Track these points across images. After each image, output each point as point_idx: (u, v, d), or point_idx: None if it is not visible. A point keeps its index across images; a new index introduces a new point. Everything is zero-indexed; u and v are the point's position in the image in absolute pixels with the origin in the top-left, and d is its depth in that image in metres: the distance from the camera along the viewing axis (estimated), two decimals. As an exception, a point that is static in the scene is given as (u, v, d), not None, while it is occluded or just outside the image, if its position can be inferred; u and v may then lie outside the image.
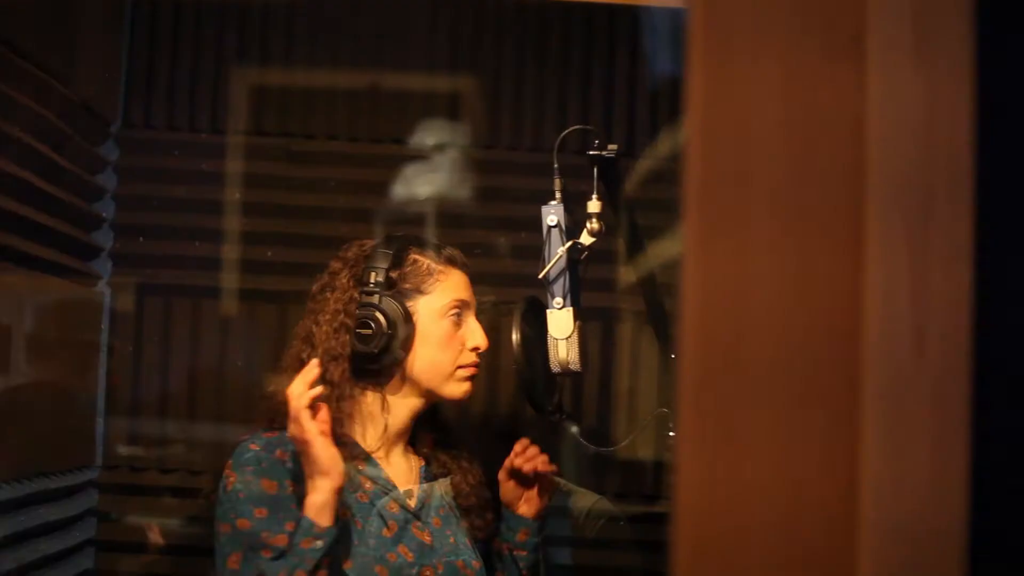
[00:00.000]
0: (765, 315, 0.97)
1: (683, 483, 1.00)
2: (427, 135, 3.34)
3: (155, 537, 3.27)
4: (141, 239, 3.32)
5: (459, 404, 2.46)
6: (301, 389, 2.10)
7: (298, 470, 2.17)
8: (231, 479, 2.18)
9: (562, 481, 2.67)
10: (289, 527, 2.12)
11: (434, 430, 2.49)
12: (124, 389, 3.29)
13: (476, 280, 2.48)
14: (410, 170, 3.30)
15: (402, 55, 3.39)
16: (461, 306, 2.37)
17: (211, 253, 3.29)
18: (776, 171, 0.98)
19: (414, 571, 2.23)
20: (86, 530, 3.24)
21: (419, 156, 3.32)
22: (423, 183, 3.30)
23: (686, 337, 0.98)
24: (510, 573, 2.49)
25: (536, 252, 2.45)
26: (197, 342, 3.32)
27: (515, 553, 2.47)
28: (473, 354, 2.38)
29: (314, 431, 2.10)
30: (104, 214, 3.30)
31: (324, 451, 2.11)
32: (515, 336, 2.37)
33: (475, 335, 2.39)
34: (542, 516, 2.54)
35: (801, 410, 0.97)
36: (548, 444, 2.64)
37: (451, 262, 2.40)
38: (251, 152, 3.34)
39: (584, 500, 2.93)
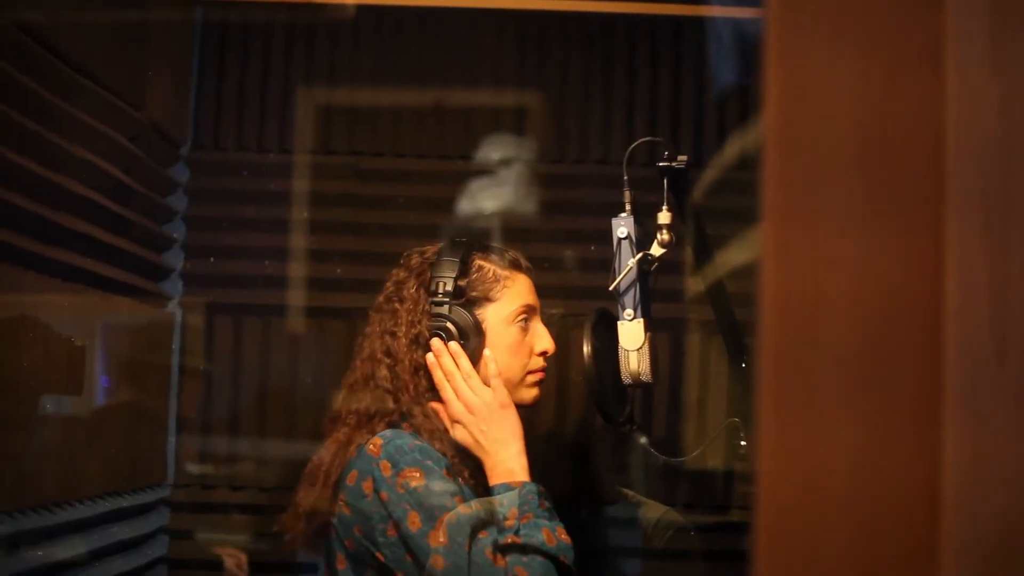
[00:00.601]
0: (844, 315, 0.97)
1: (765, 476, 0.99)
2: (494, 150, 3.34)
3: (232, 560, 3.27)
4: (211, 259, 3.34)
5: (529, 412, 2.43)
6: (454, 366, 2.27)
7: (444, 461, 2.22)
8: (415, 474, 2.15)
9: (630, 492, 2.66)
10: (493, 506, 2.16)
11: None
12: (195, 408, 3.31)
13: (545, 294, 2.47)
14: (478, 185, 3.30)
15: (468, 71, 3.40)
16: (528, 311, 2.36)
17: (280, 272, 3.30)
18: (853, 175, 0.97)
19: None
20: (158, 548, 3.26)
21: (486, 171, 3.32)
22: (491, 198, 3.30)
23: (766, 336, 0.98)
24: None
25: (604, 264, 2.44)
26: (267, 360, 3.33)
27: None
28: (541, 359, 2.37)
29: (509, 395, 2.26)
30: (175, 235, 3.33)
31: (516, 413, 2.26)
32: (586, 348, 2.36)
33: (543, 339, 2.37)
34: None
35: (882, 403, 0.96)
36: (618, 455, 2.63)
37: (515, 266, 2.38)
38: (319, 171, 3.36)
39: (653, 511, 2.92)
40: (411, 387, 2.31)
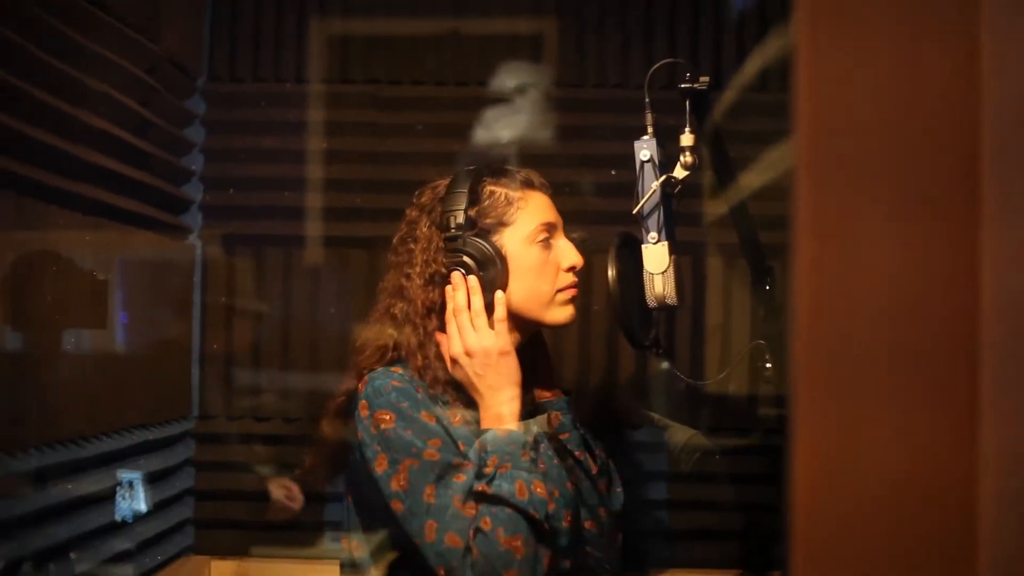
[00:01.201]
0: (880, 308, 0.97)
1: (800, 472, 0.99)
2: (512, 76, 3.32)
3: (282, 491, 3.29)
4: (230, 191, 3.34)
5: (561, 332, 2.41)
6: (466, 302, 2.25)
7: (435, 401, 2.23)
8: (386, 417, 2.15)
9: (656, 416, 2.66)
10: (462, 448, 2.16)
11: (532, 368, 2.46)
12: (218, 340, 3.32)
13: (566, 220, 2.44)
14: (496, 112, 3.29)
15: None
16: (548, 229, 2.32)
17: (300, 202, 3.30)
18: (888, 167, 0.97)
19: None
20: (184, 480, 3.28)
21: (505, 98, 3.30)
22: (510, 124, 3.29)
23: (800, 328, 0.97)
24: (568, 464, 2.44)
25: (625, 189, 2.42)
26: (288, 291, 3.33)
27: (560, 438, 2.43)
28: (570, 274, 2.33)
29: (510, 341, 2.23)
30: (193, 167, 3.32)
31: (515, 360, 2.22)
32: (610, 272, 2.34)
33: (568, 254, 2.34)
34: (560, 391, 2.50)
35: (918, 397, 0.96)
36: (644, 379, 2.62)
37: (528, 185, 2.35)
38: (337, 100, 3.34)
39: (679, 435, 2.92)
40: (421, 328, 2.30)
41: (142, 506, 2.92)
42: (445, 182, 2.38)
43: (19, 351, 2.34)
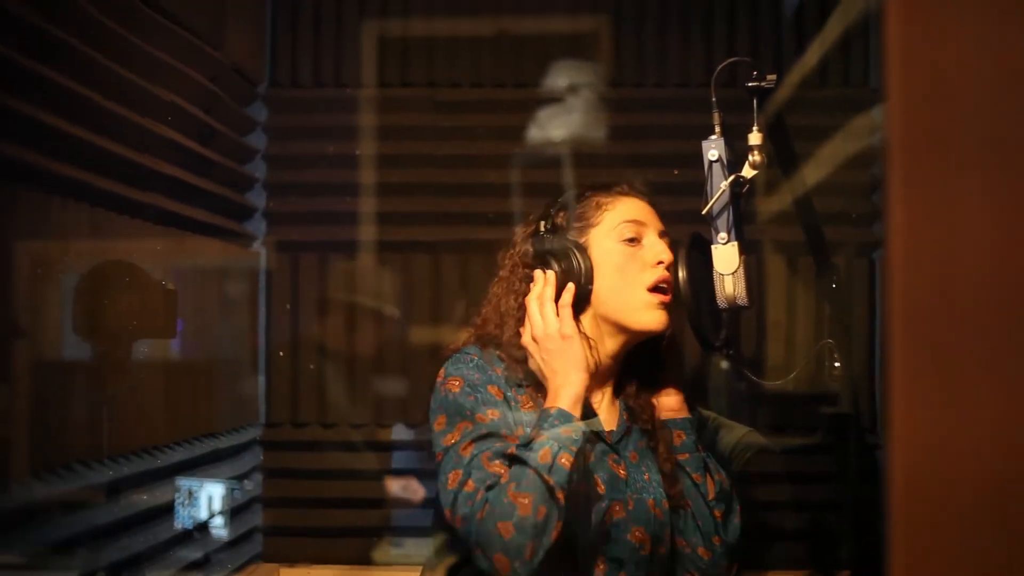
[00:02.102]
0: (977, 277, 0.95)
1: (896, 428, 0.97)
2: (571, 77, 3.31)
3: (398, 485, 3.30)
4: (293, 197, 3.34)
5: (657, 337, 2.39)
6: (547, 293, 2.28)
7: (509, 383, 2.28)
8: (455, 383, 2.23)
9: (712, 413, 2.65)
10: (520, 432, 2.19)
11: (638, 376, 2.46)
12: (282, 347, 3.32)
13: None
14: (557, 113, 3.28)
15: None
16: (634, 225, 2.31)
17: (362, 207, 3.30)
18: (984, 132, 0.95)
19: (603, 504, 2.21)
20: (252, 487, 3.28)
21: (565, 98, 3.29)
22: (569, 125, 3.28)
23: (894, 301, 0.96)
24: (686, 486, 2.43)
25: (688, 188, 2.42)
26: (352, 296, 3.33)
27: (679, 459, 2.42)
28: (659, 269, 2.29)
29: (574, 326, 2.24)
30: (256, 174, 3.32)
31: (581, 345, 2.23)
32: (681, 273, 2.32)
33: (655, 248, 2.31)
34: (687, 411, 2.48)
35: (1014, 354, 0.94)
36: (714, 379, 2.61)
37: (622, 192, 2.37)
38: (397, 104, 3.34)
39: (734, 433, 2.90)
40: (501, 316, 2.37)
41: (205, 513, 2.94)
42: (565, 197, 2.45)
43: (93, 362, 2.35)
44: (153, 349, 2.66)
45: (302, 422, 3.33)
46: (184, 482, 2.82)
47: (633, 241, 2.30)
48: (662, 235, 2.34)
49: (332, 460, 3.33)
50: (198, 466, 2.91)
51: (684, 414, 2.44)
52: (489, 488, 2.07)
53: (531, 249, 2.35)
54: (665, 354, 2.43)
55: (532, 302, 2.28)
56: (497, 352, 2.32)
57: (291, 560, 3.32)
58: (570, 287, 2.27)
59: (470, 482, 2.09)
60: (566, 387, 2.19)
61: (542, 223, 2.36)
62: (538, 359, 2.25)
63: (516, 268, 2.37)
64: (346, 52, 3.35)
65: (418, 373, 3.26)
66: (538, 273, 2.30)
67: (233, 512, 3.12)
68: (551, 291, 2.27)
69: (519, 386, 2.27)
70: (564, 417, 2.15)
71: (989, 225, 0.94)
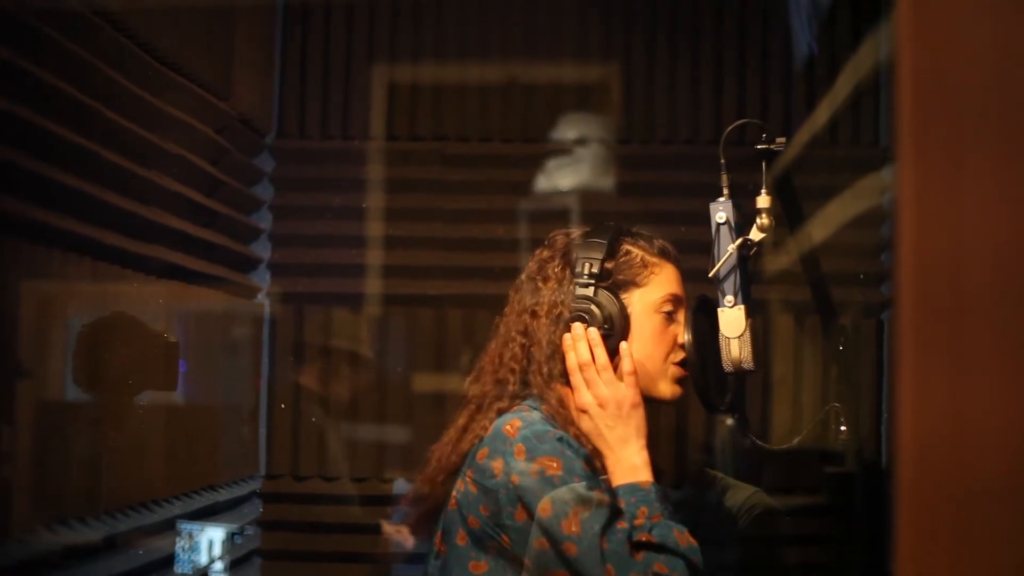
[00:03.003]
0: (988, 263, 0.95)
1: (905, 429, 0.97)
2: (581, 132, 3.30)
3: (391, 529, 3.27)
4: (298, 249, 3.33)
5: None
6: (589, 355, 2.19)
7: (581, 447, 2.18)
8: (553, 464, 2.10)
9: (718, 474, 2.62)
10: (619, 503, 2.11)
11: None
12: (285, 399, 3.30)
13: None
14: (565, 168, 3.27)
15: (553, 52, 3.36)
16: (675, 301, 2.28)
17: (368, 260, 3.28)
18: (995, 118, 0.95)
19: None
20: (251, 540, 3.26)
21: (573, 153, 3.28)
22: (578, 180, 3.27)
23: (904, 287, 0.95)
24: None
25: (695, 246, 2.40)
26: (356, 349, 3.31)
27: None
28: (683, 351, 2.27)
29: (640, 394, 2.19)
30: (262, 225, 3.31)
31: (644, 413, 2.19)
32: (687, 336, 2.30)
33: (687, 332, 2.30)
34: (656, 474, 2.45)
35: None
36: (719, 441, 2.59)
37: (664, 255, 2.31)
38: (405, 157, 3.33)
39: (740, 493, 2.88)
40: (545, 369, 2.24)
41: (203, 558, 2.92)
42: (579, 231, 2.34)
43: (93, 415, 2.33)
44: (154, 401, 2.64)
45: (303, 475, 3.31)
46: (186, 526, 2.80)
47: (670, 316, 2.27)
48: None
49: (332, 514, 3.30)
50: (196, 519, 2.88)
51: None
52: None
53: (572, 290, 2.24)
54: None
55: (589, 368, 2.19)
56: (541, 411, 2.22)
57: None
58: (627, 350, 2.20)
59: None
60: (641, 456, 2.14)
61: (586, 265, 2.25)
62: (600, 425, 2.17)
63: (555, 307, 2.26)
64: (354, 104, 3.35)
65: (421, 427, 3.24)
66: (580, 328, 2.21)
67: (232, 564, 3.09)
68: (604, 353, 2.20)
69: (587, 455, 2.17)
70: (659, 491, 2.11)
71: (1001, 211, 0.94)
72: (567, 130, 3.31)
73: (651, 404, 2.29)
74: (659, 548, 2.03)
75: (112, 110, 2.36)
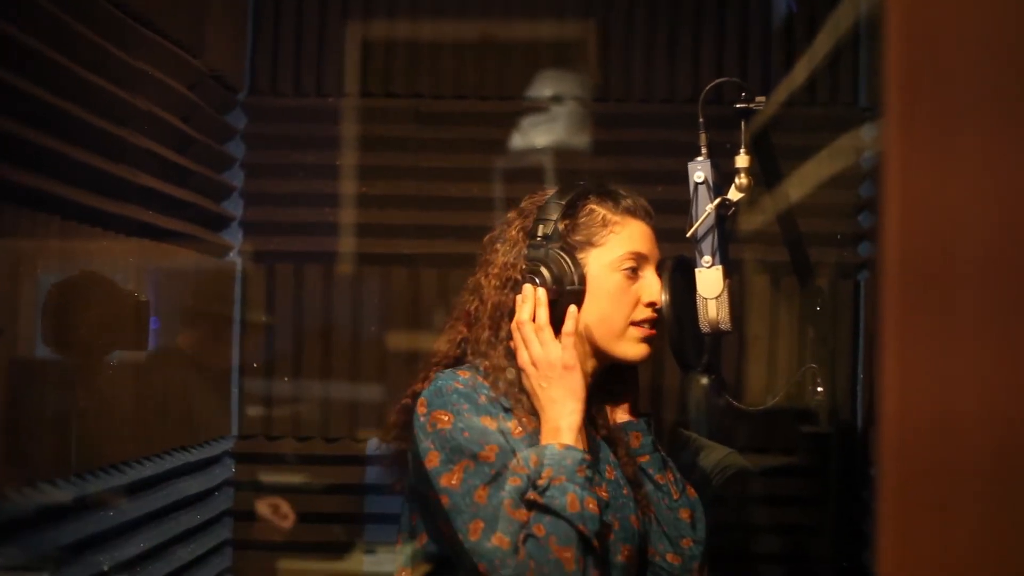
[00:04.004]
0: (975, 229, 0.93)
1: (890, 398, 0.95)
2: (557, 90, 3.27)
3: (269, 509, 3.25)
4: (271, 207, 3.30)
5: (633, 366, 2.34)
6: (531, 315, 2.18)
7: (497, 408, 2.17)
8: (444, 418, 2.11)
9: (692, 434, 2.61)
10: (520, 464, 2.09)
11: (612, 392, 2.38)
12: (258, 358, 3.28)
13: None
14: (540, 126, 3.24)
15: (529, 8, 3.33)
16: (636, 259, 2.22)
17: (341, 219, 3.26)
18: (980, 75, 0.93)
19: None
20: (224, 501, 3.25)
21: (549, 112, 3.26)
22: (553, 138, 3.24)
23: (889, 251, 0.94)
24: (649, 489, 2.36)
25: (672, 206, 2.38)
26: (329, 309, 3.29)
27: (640, 462, 2.36)
28: (648, 310, 2.23)
29: (576, 356, 2.16)
30: (234, 183, 3.28)
31: (580, 375, 2.15)
32: (663, 296, 2.28)
33: (651, 290, 2.23)
34: (642, 413, 2.44)
35: (1018, 324, 0.92)
36: (695, 402, 2.58)
37: (630, 212, 2.25)
38: (379, 114, 3.30)
39: (714, 453, 2.88)
40: (490, 329, 2.24)
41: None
42: (552, 192, 2.31)
43: (63, 375, 2.31)
44: (124, 361, 2.61)
45: (275, 435, 3.29)
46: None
47: (632, 273, 2.24)
48: (657, 267, 2.29)
49: (306, 473, 3.29)
50: (168, 480, 2.87)
51: (638, 415, 2.39)
52: (528, 539, 2.00)
53: (525, 252, 2.23)
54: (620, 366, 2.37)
55: (525, 325, 2.19)
56: (481, 369, 2.23)
57: (261, 574, 3.28)
58: (573, 312, 2.18)
59: (501, 536, 2.01)
60: (567, 419, 2.12)
61: (540, 227, 2.23)
62: (533, 385, 2.16)
63: (511, 274, 2.25)
64: (328, 61, 3.31)
65: (396, 387, 3.22)
66: (528, 288, 2.19)
67: (203, 526, 3.08)
68: (545, 313, 2.20)
69: (506, 410, 2.18)
70: (573, 455, 2.08)
71: (989, 179, 0.93)
72: (543, 88, 3.28)
73: (619, 365, 2.29)
74: (544, 509, 2.02)
75: (83, 66, 2.32)
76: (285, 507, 3.24)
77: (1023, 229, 0.92)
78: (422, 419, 2.13)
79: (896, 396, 0.94)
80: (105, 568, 2.47)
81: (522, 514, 2.03)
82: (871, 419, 3.09)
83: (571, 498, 2.02)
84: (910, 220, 0.93)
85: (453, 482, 2.07)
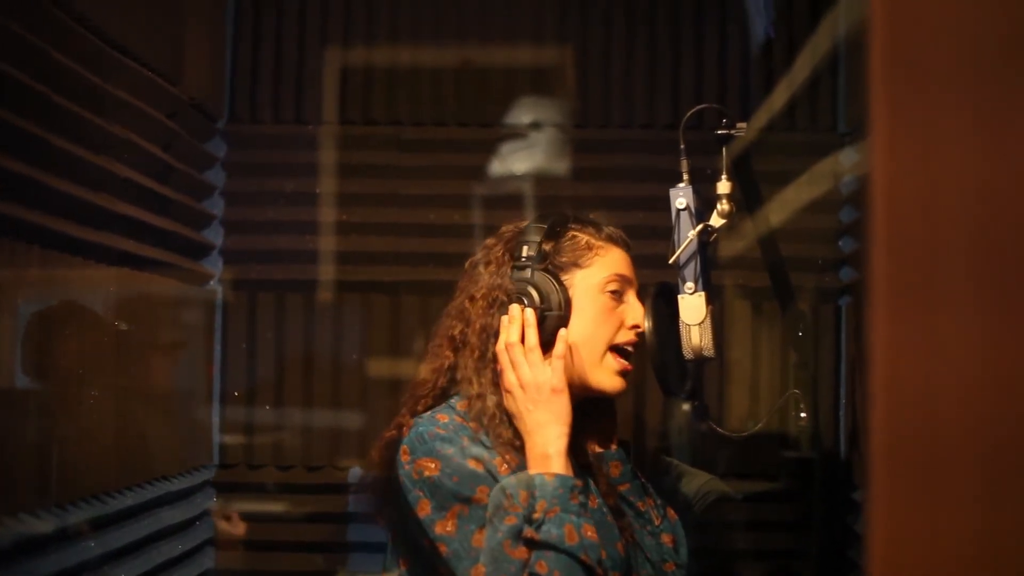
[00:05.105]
0: (962, 208, 0.92)
1: (878, 378, 0.94)
2: (537, 116, 3.27)
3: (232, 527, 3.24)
4: (251, 235, 3.29)
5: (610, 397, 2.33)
6: (519, 337, 2.16)
7: (481, 447, 2.15)
8: (430, 465, 2.08)
9: (673, 460, 2.60)
10: (522, 496, 2.06)
11: (592, 421, 2.34)
12: (239, 387, 3.26)
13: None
14: (520, 153, 3.24)
15: (509, 36, 3.33)
16: (621, 281, 2.23)
17: (322, 246, 3.25)
18: (967, 37, 0.93)
19: None
20: (205, 531, 3.22)
21: (529, 138, 3.26)
22: (534, 165, 3.24)
23: (877, 233, 0.93)
24: (631, 516, 2.34)
25: (651, 232, 2.38)
26: (310, 336, 3.28)
27: (620, 490, 2.34)
28: (631, 333, 2.23)
29: (564, 379, 2.13)
30: (214, 211, 3.27)
31: (567, 400, 2.13)
32: (647, 323, 2.28)
33: (635, 313, 2.23)
34: (620, 441, 2.42)
35: (1006, 303, 0.92)
36: (678, 428, 2.57)
37: (611, 239, 2.26)
38: (359, 142, 3.30)
39: (696, 480, 2.87)
40: (478, 351, 2.22)
41: None
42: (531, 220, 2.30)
43: (44, 405, 2.29)
44: (105, 390, 2.60)
45: (257, 464, 3.27)
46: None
47: (616, 296, 2.24)
48: (638, 295, 2.28)
49: (287, 502, 3.27)
50: (148, 511, 2.85)
51: (617, 444, 2.37)
52: None
53: (510, 274, 2.21)
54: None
55: (514, 348, 2.16)
56: (458, 409, 2.20)
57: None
58: (563, 335, 2.16)
59: None
60: (554, 444, 2.09)
61: (525, 248, 2.21)
62: (521, 407, 2.13)
63: (492, 291, 2.23)
64: (307, 88, 3.31)
65: (377, 415, 3.21)
66: (516, 309, 2.17)
67: (184, 556, 3.06)
68: (534, 335, 2.16)
69: (489, 448, 2.15)
70: (565, 482, 2.06)
71: (976, 153, 0.92)
72: (523, 114, 3.28)
73: (592, 406, 2.28)
74: (543, 546, 2.00)
75: (61, 95, 2.31)
76: (236, 517, 3.23)
77: (1006, 205, 0.92)
78: (407, 467, 2.11)
79: (884, 377, 0.94)
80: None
81: (522, 552, 2.01)
82: (855, 444, 3.09)
83: (568, 529, 2.00)
84: (895, 202, 0.93)
85: (448, 529, 2.05)
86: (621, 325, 2.23)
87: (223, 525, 3.24)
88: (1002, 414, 0.92)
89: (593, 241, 2.24)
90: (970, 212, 0.92)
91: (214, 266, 3.28)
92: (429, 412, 2.20)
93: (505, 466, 2.13)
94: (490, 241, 2.30)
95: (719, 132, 2.35)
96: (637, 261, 2.32)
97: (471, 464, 2.10)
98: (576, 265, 2.21)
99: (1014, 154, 0.91)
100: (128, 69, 2.66)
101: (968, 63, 0.93)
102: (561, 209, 2.32)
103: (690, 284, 2.30)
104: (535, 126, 3.27)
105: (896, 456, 0.95)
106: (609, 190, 3.24)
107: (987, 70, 0.92)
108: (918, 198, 0.93)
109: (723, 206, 2.32)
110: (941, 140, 0.92)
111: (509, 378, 2.16)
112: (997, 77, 0.92)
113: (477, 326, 2.22)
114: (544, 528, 2.00)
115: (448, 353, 2.25)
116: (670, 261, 2.30)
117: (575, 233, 2.25)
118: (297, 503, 3.27)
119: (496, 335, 2.21)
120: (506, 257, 2.24)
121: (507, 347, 2.16)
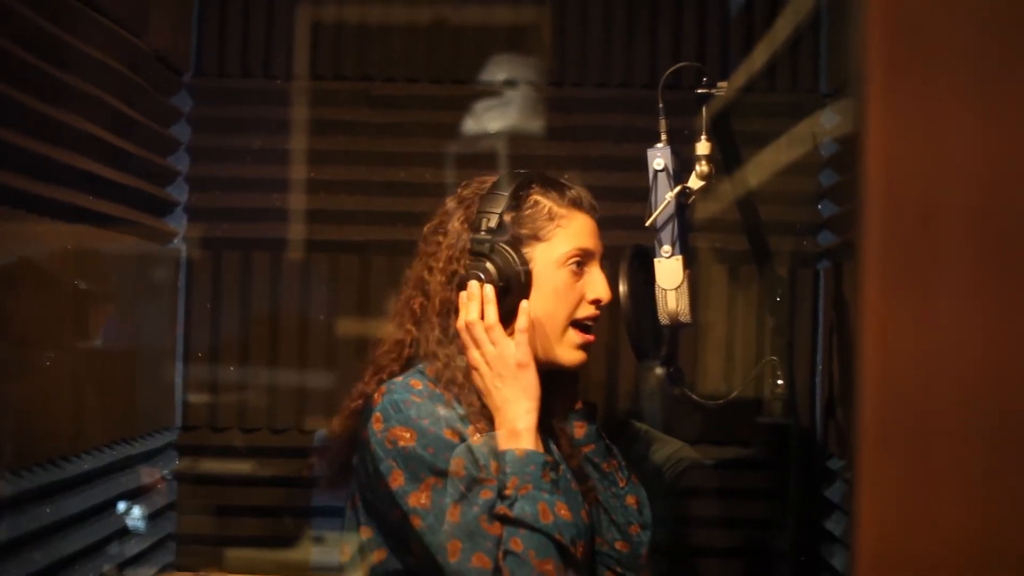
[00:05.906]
0: (959, 187, 0.90)
1: (869, 359, 0.93)
2: (511, 74, 3.20)
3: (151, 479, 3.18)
4: (217, 192, 3.21)
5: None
6: (481, 314, 2.13)
7: (455, 416, 2.11)
8: (404, 435, 2.04)
9: (644, 426, 2.56)
10: (493, 470, 2.05)
11: (556, 388, 2.29)
12: (202, 348, 3.20)
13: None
14: (494, 111, 3.17)
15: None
16: (582, 255, 2.18)
17: (290, 204, 3.18)
18: (966, 22, 0.90)
19: None
20: (167, 494, 3.16)
21: (504, 96, 3.19)
22: (508, 124, 3.17)
23: (871, 211, 0.91)
24: (596, 478, 2.33)
25: (628, 193, 2.33)
26: (276, 296, 3.21)
27: (585, 451, 2.32)
28: (592, 307, 2.19)
29: (530, 353, 2.11)
30: (178, 167, 3.20)
31: (534, 373, 2.12)
32: (621, 287, 2.23)
33: (596, 286, 2.20)
34: (587, 402, 2.38)
35: (1001, 281, 0.91)
36: (650, 394, 2.53)
37: (575, 204, 2.20)
38: (329, 98, 3.23)
39: (667, 447, 2.83)
40: (439, 327, 2.18)
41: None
42: (493, 179, 2.24)
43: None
44: (66, 352, 2.54)
45: (220, 426, 3.21)
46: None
47: (577, 269, 2.18)
48: (601, 263, 2.22)
49: (251, 466, 3.21)
50: (109, 474, 2.79)
51: (580, 405, 2.34)
52: (507, 556, 1.95)
53: (469, 247, 2.16)
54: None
55: (476, 324, 2.12)
56: (429, 375, 2.16)
57: (205, 568, 3.20)
58: (525, 308, 2.12)
59: (482, 556, 1.96)
60: (523, 420, 2.07)
61: (484, 220, 2.16)
62: (488, 385, 2.11)
63: (451, 263, 2.18)
64: (276, 41, 3.23)
65: (345, 377, 3.14)
66: (474, 285, 2.13)
67: (147, 518, 3.00)
68: (494, 312, 2.12)
69: (462, 417, 2.11)
70: (535, 458, 2.03)
71: (974, 135, 0.90)
72: (497, 72, 3.22)
73: (555, 370, 2.23)
74: (516, 523, 1.97)
75: (19, 45, 2.23)
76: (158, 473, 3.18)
77: (1004, 186, 0.90)
78: (379, 435, 2.06)
79: (876, 355, 0.92)
80: (44, 565, 2.40)
81: (497, 527, 1.99)
82: (831, 411, 3.05)
83: (542, 507, 1.98)
84: (891, 179, 0.91)
85: (423, 501, 2.01)
86: (582, 299, 2.19)
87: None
88: (999, 394, 0.91)
89: (556, 209, 2.18)
90: (973, 175, 0.89)
91: (178, 224, 3.21)
92: (401, 378, 2.16)
93: (478, 435, 2.08)
94: (449, 204, 2.25)
95: (699, 91, 2.31)
96: (613, 223, 2.27)
97: (447, 435, 2.06)
98: (536, 238, 2.17)
99: (1010, 137, 0.89)
100: (89, 19, 2.59)
101: (970, 19, 0.89)
102: (528, 169, 2.25)
103: (667, 247, 2.25)
104: (510, 84, 3.21)
105: (888, 441, 0.93)
106: (585, 150, 3.18)
107: (991, 26, 0.89)
108: (917, 160, 0.89)
109: (702, 167, 2.27)
110: (942, 99, 0.89)
111: (473, 356, 2.14)
112: (1002, 33, 0.88)
113: (436, 301, 2.19)
114: (517, 506, 1.98)
115: (410, 327, 2.22)
116: (647, 223, 2.25)
117: (537, 198, 2.19)
118: (261, 466, 3.21)
119: (456, 311, 2.17)
120: (464, 226, 2.19)
121: (467, 325, 2.13)
